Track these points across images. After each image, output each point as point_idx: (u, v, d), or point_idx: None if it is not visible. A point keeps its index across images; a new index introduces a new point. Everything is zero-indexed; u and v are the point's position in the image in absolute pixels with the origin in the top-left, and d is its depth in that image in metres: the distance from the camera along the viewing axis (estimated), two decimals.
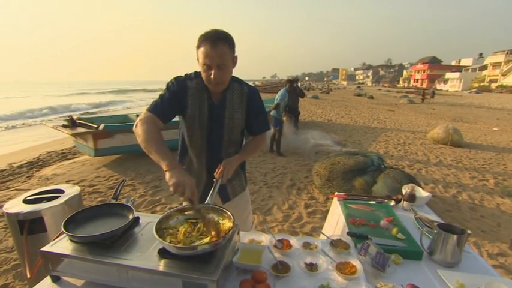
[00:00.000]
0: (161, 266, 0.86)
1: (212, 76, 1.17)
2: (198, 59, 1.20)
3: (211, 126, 1.33)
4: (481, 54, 63.39)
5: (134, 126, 1.21)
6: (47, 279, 0.96)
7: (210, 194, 1.20)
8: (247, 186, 1.61)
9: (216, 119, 1.33)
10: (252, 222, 1.71)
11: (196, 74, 1.31)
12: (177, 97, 1.29)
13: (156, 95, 1.37)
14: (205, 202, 1.15)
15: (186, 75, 1.33)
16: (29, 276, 1.30)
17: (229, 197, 1.50)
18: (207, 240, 0.93)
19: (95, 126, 4.79)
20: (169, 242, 0.89)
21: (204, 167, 1.40)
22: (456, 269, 1.15)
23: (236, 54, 1.24)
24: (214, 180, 1.25)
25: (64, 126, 4.94)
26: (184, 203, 1.08)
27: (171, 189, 0.98)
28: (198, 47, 1.16)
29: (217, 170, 1.26)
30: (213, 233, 0.96)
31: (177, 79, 1.31)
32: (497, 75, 48.83)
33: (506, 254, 2.64)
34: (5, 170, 4.81)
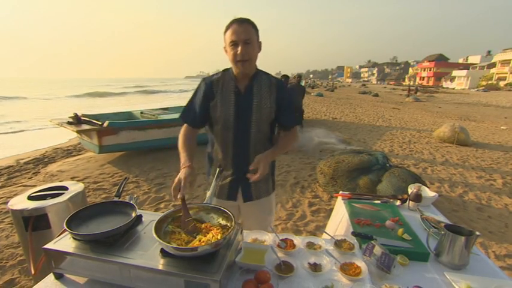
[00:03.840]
0: (163, 265, 0.86)
1: (239, 51, 1.20)
2: (225, 48, 1.26)
3: (238, 117, 1.30)
4: (489, 51, 62.33)
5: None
6: (50, 276, 0.96)
7: (209, 194, 1.16)
8: (273, 193, 1.52)
9: (242, 109, 1.30)
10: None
11: (224, 71, 1.37)
12: (205, 94, 1.33)
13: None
14: (205, 201, 1.13)
15: (213, 74, 1.40)
16: (33, 272, 1.31)
17: (252, 198, 1.43)
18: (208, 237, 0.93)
19: (100, 123, 4.82)
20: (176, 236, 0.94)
21: (230, 162, 1.35)
22: (464, 271, 1.12)
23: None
24: (248, 178, 1.17)
25: (69, 123, 4.97)
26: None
27: None
28: (226, 30, 1.23)
29: (250, 168, 1.17)
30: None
31: (204, 78, 1.38)
32: (506, 73, 47.87)
33: None
34: (12, 166, 4.87)
